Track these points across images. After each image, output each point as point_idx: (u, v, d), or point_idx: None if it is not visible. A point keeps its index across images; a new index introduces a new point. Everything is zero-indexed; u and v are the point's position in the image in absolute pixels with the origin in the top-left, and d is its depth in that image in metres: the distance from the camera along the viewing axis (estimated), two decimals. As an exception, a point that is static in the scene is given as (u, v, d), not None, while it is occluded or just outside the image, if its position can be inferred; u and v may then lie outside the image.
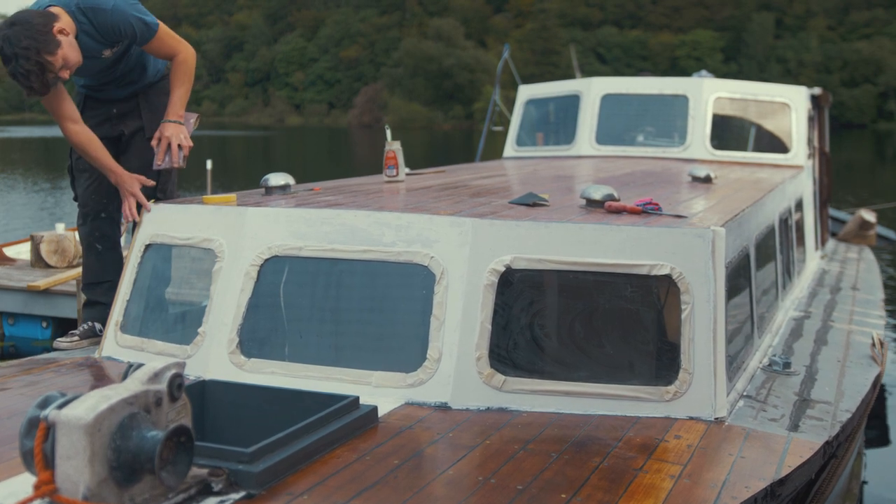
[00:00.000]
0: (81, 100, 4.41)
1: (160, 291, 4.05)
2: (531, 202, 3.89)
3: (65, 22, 3.90)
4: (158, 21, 4.17)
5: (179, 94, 4.24)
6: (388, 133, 5.14)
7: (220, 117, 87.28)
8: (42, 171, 28.96)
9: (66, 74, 3.93)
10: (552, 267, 3.35)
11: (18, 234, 14.13)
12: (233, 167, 32.31)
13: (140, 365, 2.34)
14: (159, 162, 4.17)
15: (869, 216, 10.59)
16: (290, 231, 3.62)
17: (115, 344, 3.89)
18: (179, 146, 4.16)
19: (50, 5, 3.95)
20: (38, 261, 8.75)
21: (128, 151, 4.37)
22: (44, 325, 8.30)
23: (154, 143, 4.17)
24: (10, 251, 9.53)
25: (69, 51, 3.88)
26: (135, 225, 4.14)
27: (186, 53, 4.26)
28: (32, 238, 8.90)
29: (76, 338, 4.27)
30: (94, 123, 4.34)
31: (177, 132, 4.17)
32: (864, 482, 5.65)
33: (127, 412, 2.14)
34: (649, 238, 3.35)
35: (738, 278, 3.86)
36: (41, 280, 8.20)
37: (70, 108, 4.14)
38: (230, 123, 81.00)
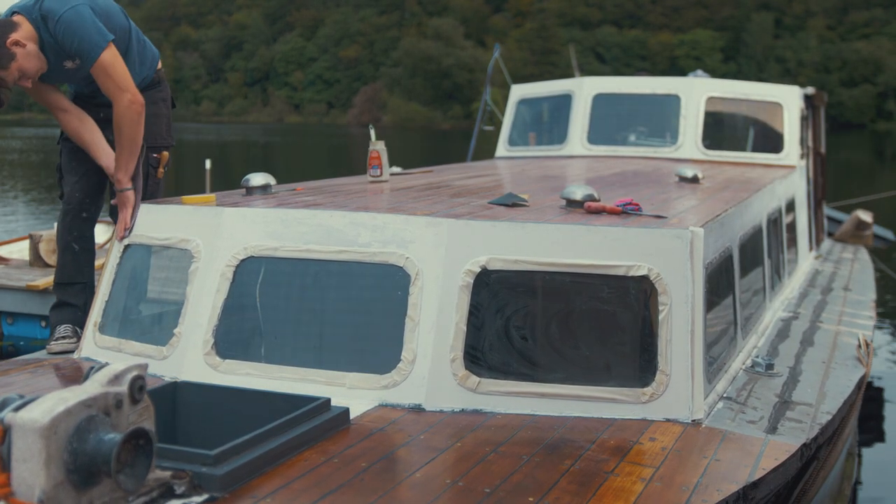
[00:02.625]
0: (71, 100, 4.32)
1: (139, 292, 4.03)
2: (510, 202, 3.86)
3: (23, 32, 3.83)
4: (105, 50, 3.87)
5: (120, 159, 4.01)
6: (373, 133, 5.11)
7: (219, 117, 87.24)
8: (41, 170, 28.94)
9: (26, 83, 3.88)
10: (528, 268, 3.32)
11: (17, 233, 14.08)
12: (233, 167, 32.28)
13: (102, 366, 2.31)
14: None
15: (865, 216, 10.56)
16: (266, 231, 3.59)
17: (94, 345, 3.87)
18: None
19: (14, 13, 3.89)
20: (36, 260, 8.68)
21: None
22: (42, 324, 8.23)
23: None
24: (8, 250, 9.48)
25: (25, 62, 3.82)
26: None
27: (118, 108, 3.93)
28: (31, 237, 8.84)
29: (73, 338, 4.16)
30: None
31: (122, 203, 4.00)
32: (858, 483, 5.63)
33: (84, 415, 2.11)
34: (627, 239, 3.33)
35: (719, 279, 3.83)
36: (40, 279, 8.15)
37: (57, 98, 4.13)
38: (229, 123, 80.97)
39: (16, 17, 3.87)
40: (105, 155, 4.15)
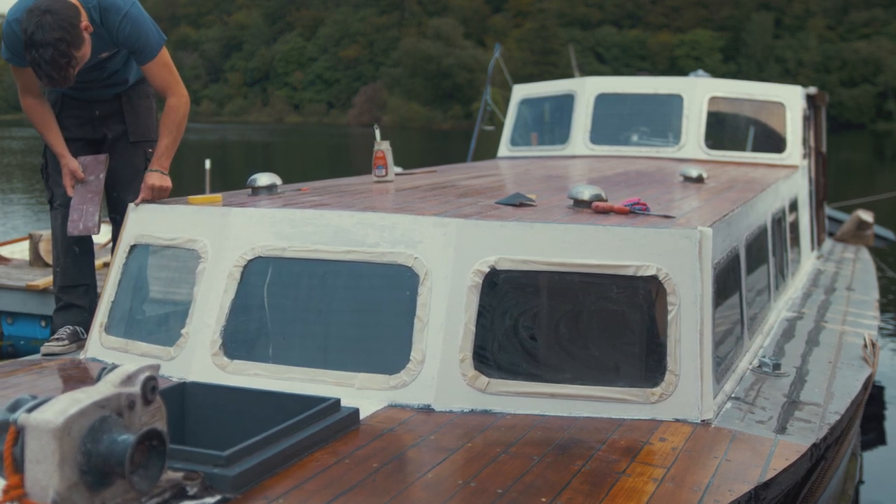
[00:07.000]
0: (58, 99, 4.30)
1: (145, 292, 4.02)
2: (518, 202, 3.86)
3: (85, 19, 3.88)
4: (163, 46, 4.13)
5: (164, 144, 4.14)
6: (377, 133, 5.11)
7: (219, 117, 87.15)
8: (40, 170, 28.89)
9: (75, 70, 3.91)
10: (537, 268, 3.32)
11: (17, 233, 14.07)
12: (233, 167, 32.26)
13: (114, 367, 2.31)
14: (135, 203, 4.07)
15: (866, 216, 10.55)
16: (273, 232, 3.59)
17: (100, 345, 3.86)
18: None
19: None
20: (36, 260, 8.66)
21: (113, 157, 4.31)
22: (42, 324, 8.21)
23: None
24: (8, 250, 9.46)
25: (87, 49, 3.87)
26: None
27: (178, 101, 4.15)
28: (31, 237, 8.82)
29: (66, 342, 4.16)
30: (75, 124, 4.27)
31: (151, 183, 4.06)
32: (861, 482, 5.63)
33: (98, 415, 2.10)
34: (635, 239, 3.33)
35: (726, 279, 3.83)
36: (40, 279, 8.13)
37: (34, 82, 4.09)
38: (229, 123, 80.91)
39: (76, 2, 3.88)
40: (64, 149, 4.19)
